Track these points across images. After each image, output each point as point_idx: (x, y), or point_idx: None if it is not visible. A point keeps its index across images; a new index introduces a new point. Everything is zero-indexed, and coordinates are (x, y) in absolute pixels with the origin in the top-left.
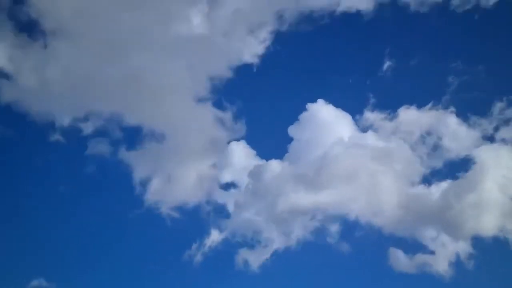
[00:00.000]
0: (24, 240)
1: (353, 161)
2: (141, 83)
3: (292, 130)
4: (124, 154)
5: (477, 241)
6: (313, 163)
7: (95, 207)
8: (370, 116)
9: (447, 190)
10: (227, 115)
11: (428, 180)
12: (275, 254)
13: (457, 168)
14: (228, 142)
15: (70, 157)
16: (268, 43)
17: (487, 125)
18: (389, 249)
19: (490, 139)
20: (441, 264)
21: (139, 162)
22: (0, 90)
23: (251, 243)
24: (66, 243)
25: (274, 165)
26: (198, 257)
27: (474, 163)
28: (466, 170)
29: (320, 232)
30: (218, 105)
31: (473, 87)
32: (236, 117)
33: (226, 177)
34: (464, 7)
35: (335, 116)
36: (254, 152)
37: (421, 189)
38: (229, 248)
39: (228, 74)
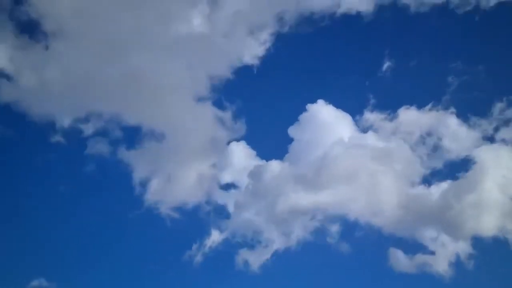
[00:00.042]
0: (25, 240)
1: (353, 161)
2: (141, 83)
3: (292, 131)
4: (124, 154)
5: (477, 241)
6: (313, 164)
7: (95, 207)
8: (370, 116)
9: (447, 190)
10: (227, 116)
11: (428, 180)
12: (275, 254)
13: (457, 168)
14: (228, 143)
15: (70, 157)
16: (268, 44)
17: (487, 126)
18: (389, 249)
19: (490, 139)
20: (441, 264)
21: (139, 162)
22: (0, 90)
23: (251, 244)
24: (66, 243)
25: (274, 165)
26: (198, 258)
27: (474, 163)
28: (466, 170)
29: (320, 232)
30: (218, 105)
31: (473, 87)
32: (236, 118)
33: (226, 178)
34: (464, 9)
35: (335, 117)
36: (254, 152)
37: (421, 189)
38: (229, 248)
39: (228, 74)
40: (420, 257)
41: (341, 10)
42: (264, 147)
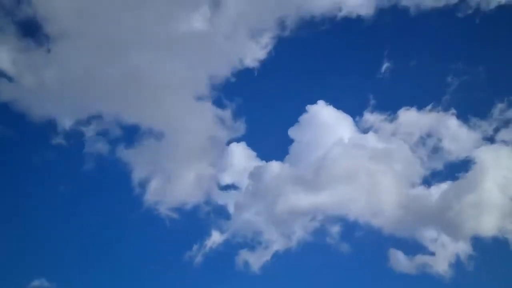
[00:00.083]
0: (25, 240)
1: (353, 162)
2: (141, 83)
3: (292, 132)
4: (124, 154)
5: (477, 241)
6: (313, 164)
7: (95, 207)
8: (370, 117)
9: (447, 190)
10: (227, 117)
11: (428, 181)
12: (276, 255)
13: (457, 169)
14: (229, 143)
15: (70, 157)
16: (269, 47)
17: (487, 127)
18: (389, 250)
19: (490, 140)
20: (441, 265)
21: (139, 162)
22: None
23: (252, 244)
24: (66, 243)
25: (274, 166)
26: (199, 258)
27: (474, 163)
28: (466, 171)
29: (320, 233)
30: (218, 105)
31: (473, 88)
32: (236, 118)
33: (227, 179)
34: (465, 12)
35: (336, 118)
36: (254, 153)
37: (421, 190)
38: (229, 249)
39: (229, 76)
40: (420, 258)
41: (342, 13)
42: (264, 148)
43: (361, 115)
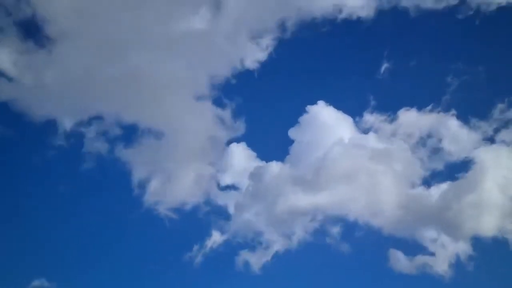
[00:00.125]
0: (25, 240)
1: (353, 162)
2: (141, 82)
3: (292, 132)
4: (124, 154)
5: (477, 241)
6: (314, 165)
7: (95, 207)
8: (370, 118)
9: (447, 191)
10: (228, 117)
11: (428, 181)
12: (276, 255)
13: (457, 169)
14: (229, 144)
15: (70, 157)
16: (270, 49)
17: (487, 127)
18: (389, 250)
19: (490, 140)
20: (441, 265)
21: (138, 161)
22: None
23: (252, 245)
24: (66, 243)
25: (275, 166)
26: (199, 258)
27: (474, 163)
28: (466, 171)
29: (320, 233)
30: (218, 105)
31: (473, 89)
32: (237, 118)
33: (227, 179)
34: (465, 13)
35: (336, 118)
36: (254, 154)
37: (421, 190)
38: (230, 249)
39: (229, 76)
40: (420, 258)
41: (342, 15)
42: (264, 149)
43: (361, 115)
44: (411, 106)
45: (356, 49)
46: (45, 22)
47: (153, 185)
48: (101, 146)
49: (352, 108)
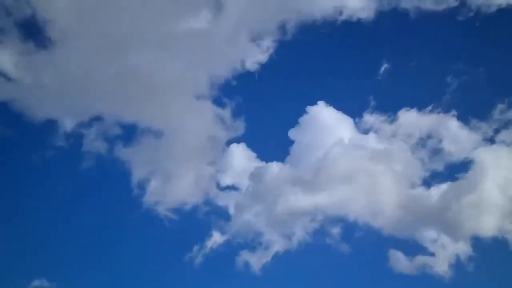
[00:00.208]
0: (26, 240)
1: (353, 163)
2: (141, 82)
3: (292, 133)
4: (124, 154)
5: (477, 241)
6: (314, 165)
7: (94, 207)
8: (370, 118)
9: (447, 191)
10: (228, 117)
11: (428, 182)
12: (276, 256)
13: (457, 169)
14: (229, 144)
15: (70, 157)
16: (270, 50)
17: (487, 128)
18: (389, 251)
19: (490, 140)
20: (441, 266)
21: (138, 161)
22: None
23: (252, 245)
24: (66, 243)
25: (275, 167)
26: (199, 259)
27: (474, 164)
28: (466, 171)
29: (321, 233)
30: (218, 105)
31: (473, 89)
32: (236, 118)
33: (227, 179)
34: (466, 15)
35: (336, 119)
36: (254, 154)
37: (421, 190)
38: (230, 250)
39: (229, 77)
40: (420, 258)
41: (343, 17)
42: (264, 149)
43: (361, 116)
44: (411, 106)
45: (356, 49)
46: (45, 22)
47: (153, 185)
48: (101, 146)
49: (352, 108)
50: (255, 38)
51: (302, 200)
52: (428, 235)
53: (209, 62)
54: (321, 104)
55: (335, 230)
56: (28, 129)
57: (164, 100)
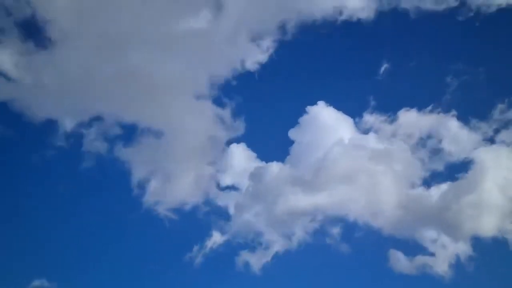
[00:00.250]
0: (26, 240)
1: (353, 163)
2: (141, 82)
3: (293, 133)
4: (124, 154)
5: (477, 241)
6: (314, 165)
7: (95, 207)
8: (370, 118)
9: (447, 191)
10: (228, 117)
11: (428, 182)
12: (276, 256)
13: (457, 169)
14: (229, 144)
15: (70, 157)
16: (270, 50)
17: (487, 128)
18: (389, 251)
19: (490, 140)
20: (441, 266)
21: (138, 161)
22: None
23: (252, 245)
24: (66, 243)
25: (275, 167)
26: (199, 259)
27: (474, 164)
28: (466, 171)
29: (321, 233)
30: (218, 105)
31: (473, 89)
32: (237, 118)
33: (227, 180)
34: (466, 15)
35: (336, 119)
36: (254, 154)
37: (421, 190)
38: (230, 250)
39: (229, 77)
40: (420, 259)
41: (343, 17)
42: (264, 149)
43: (361, 116)
44: (411, 106)
45: (356, 49)
46: (45, 23)
47: (153, 185)
48: (101, 146)
49: (352, 108)
50: (255, 38)
51: (302, 200)
52: (428, 235)
53: (209, 62)
54: (321, 104)
55: (335, 230)
56: (28, 129)
57: (164, 100)
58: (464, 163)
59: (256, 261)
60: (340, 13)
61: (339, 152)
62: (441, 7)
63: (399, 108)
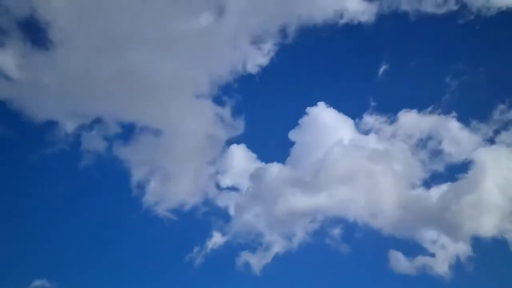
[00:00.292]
0: (26, 240)
1: (353, 164)
2: (141, 81)
3: (293, 134)
4: (124, 153)
5: (477, 241)
6: (314, 166)
7: (94, 207)
8: (370, 119)
9: (447, 191)
10: (228, 117)
11: (428, 182)
12: (276, 256)
13: (457, 170)
14: (229, 145)
15: (70, 157)
16: (271, 53)
17: (487, 129)
18: (389, 251)
19: (490, 141)
20: (441, 266)
21: (138, 161)
22: None
23: (253, 246)
24: (67, 244)
25: (275, 168)
26: (200, 259)
27: (474, 164)
28: (466, 172)
29: (321, 234)
30: (218, 105)
31: (473, 90)
32: (237, 118)
33: (227, 180)
34: (466, 18)
35: (336, 120)
36: (254, 155)
37: (421, 191)
38: (230, 250)
39: (230, 78)
40: (420, 259)
41: (343, 20)
42: (264, 150)
43: (361, 117)
44: (411, 107)
45: (356, 51)
46: (45, 23)
47: (152, 185)
48: (101, 146)
49: (353, 109)
50: (256, 41)
51: (302, 201)
52: (428, 235)
53: (209, 63)
54: (321, 105)
55: (335, 231)
56: (27, 129)
57: (163, 100)
58: (464, 164)
59: (256, 261)
60: (341, 16)
61: (339, 153)
62: (442, 10)
63: (399, 109)
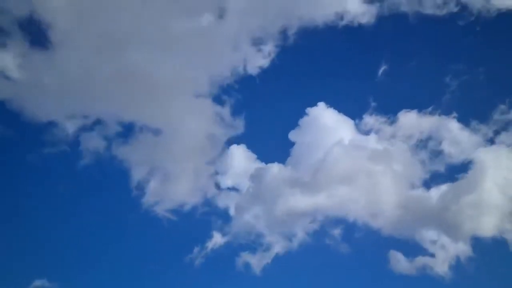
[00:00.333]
0: (26, 240)
1: (354, 164)
2: (141, 81)
3: (293, 135)
4: (124, 153)
5: (477, 242)
6: (314, 167)
7: (94, 207)
8: (370, 120)
9: (447, 192)
10: (228, 116)
11: (428, 183)
12: (277, 257)
13: (457, 170)
14: (229, 145)
15: (70, 157)
16: (272, 55)
17: (487, 130)
18: (389, 252)
19: (490, 141)
20: (441, 266)
21: (138, 161)
22: None
23: (253, 246)
24: (67, 244)
25: (275, 168)
26: (200, 260)
27: (474, 164)
28: (466, 172)
29: (321, 234)
30: (218, 105)
31: (473, 91)
32: (236, 117)
33: (227, 181)
34: (467, 20)
35: (336, 120)
36: (255, 156)
37: (421, 191)
38: (230, 251)
39: (230, 79)
40: (420, 259)
41: (344, 22)
42: (265, 150)
43: (361, 117)
44: (411, 108)
45: (356, 52)
46: (45, 23)
47: (152, 185)
48: (101, 146)
49: (353, 110)
50: (257, 43)
51: (302, 201)
52: (428, 235)
53: (210, 63)
54: (321, 105)
55: (336, 231)
56: (27, 128)
57: (163, 99)
58: (464, 164)
59: (256, 262)
60: (341, 18)
61: (340, 153)
62: (442, 12)
63: (399, 109)
